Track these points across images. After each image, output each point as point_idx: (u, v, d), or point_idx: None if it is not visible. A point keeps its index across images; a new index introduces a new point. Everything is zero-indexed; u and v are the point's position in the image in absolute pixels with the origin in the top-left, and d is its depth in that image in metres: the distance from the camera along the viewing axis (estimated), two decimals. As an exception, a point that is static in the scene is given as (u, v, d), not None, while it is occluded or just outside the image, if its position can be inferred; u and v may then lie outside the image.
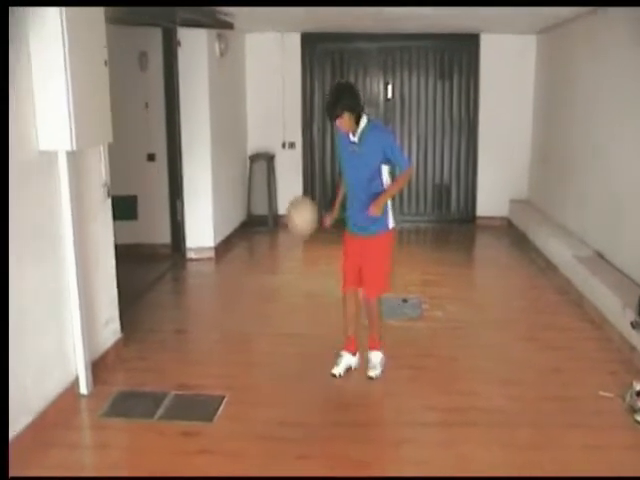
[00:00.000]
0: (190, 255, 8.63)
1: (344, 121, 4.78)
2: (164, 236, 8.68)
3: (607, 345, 5.78)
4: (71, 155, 4.58)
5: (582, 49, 8.03)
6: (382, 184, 4.92)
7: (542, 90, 9.99)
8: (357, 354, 5.32)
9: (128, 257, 6.71)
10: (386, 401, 4.92)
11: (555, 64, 9.30)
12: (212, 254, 8.71)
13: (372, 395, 5.03)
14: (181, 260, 8.55)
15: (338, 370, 5.19)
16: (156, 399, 4.81)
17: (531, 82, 10.38)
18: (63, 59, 4.26)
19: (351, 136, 4.88)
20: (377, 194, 4.86)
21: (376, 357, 5.26)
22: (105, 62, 4.88)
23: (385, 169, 4.91)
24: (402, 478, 3.98)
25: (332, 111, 4.77)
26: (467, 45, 10.50)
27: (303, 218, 5.03)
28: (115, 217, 5.59)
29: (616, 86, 6.82)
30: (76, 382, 4.83)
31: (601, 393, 4.82)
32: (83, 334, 4.81)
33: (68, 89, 4.30)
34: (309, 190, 10.83)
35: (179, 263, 8.48)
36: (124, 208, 8.11)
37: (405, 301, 6.81)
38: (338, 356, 5.26)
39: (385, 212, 4.92)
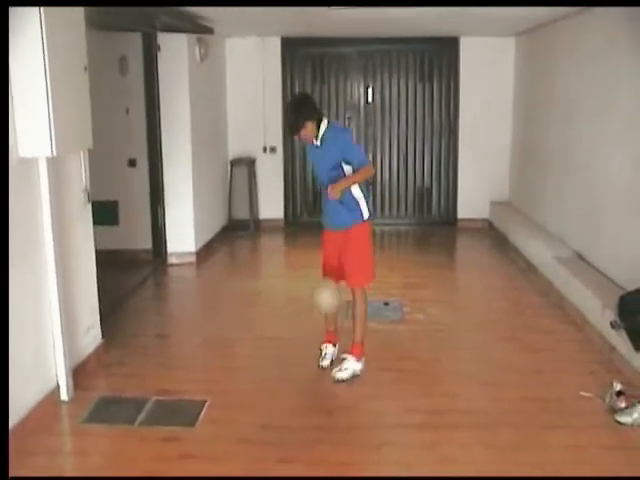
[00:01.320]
0: (171, 260, 8.61)
1: (307, 131, 4.99)
2: (145, 241, 8.63)
3: (588, 346, 5.81)
4: (51, 161, 4.57)
5: (560, 51, 8.10)
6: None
7: (521, 92, 10.05)
8: (337, 345, 5.49)
9: (109, 263, 6.69)
10: (368, 404, 4.91)
11: (534, 66, 9.37)
12: (193, 259, 8.69)
13: (354, 398, 5.02)
14: (162, 265, 8.53)
15: (326, 362, 5.39)
16: (137, 405, 4.79)
17: (510, 84, 10.44)
18: (43, 64, 4.23)
19: (315, 140, 5.07)
20: (349, 193, 5.06)
21: (349, 362, 5.22)
22: (85, 68, 4.86)
23: (348, 168, 5.03)
24: (392, 478, 3.99)
25: (295, 125, 5.00)
26: (447, 48, 10.54)
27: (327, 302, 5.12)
28: (96, 222, 5.57)
29: (594, 88, 6.87)
30: (57, 388, 4.81)
31: (582, 393, 4.85)
32: (64, 340, 4.79)
33: (48, 95, 4.27)
34: (290, 194, 10.85)
35: (160, 268, 8.46)
36: (105, 213, 8.06)
37: (386, 304, 6.82)
38: (321, 350, 5.45)
39: (357, 204, 5.09)
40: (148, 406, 4.77)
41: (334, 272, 5.24)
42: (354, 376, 5.18)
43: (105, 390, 5.14)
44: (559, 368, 5.41)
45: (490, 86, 10.48)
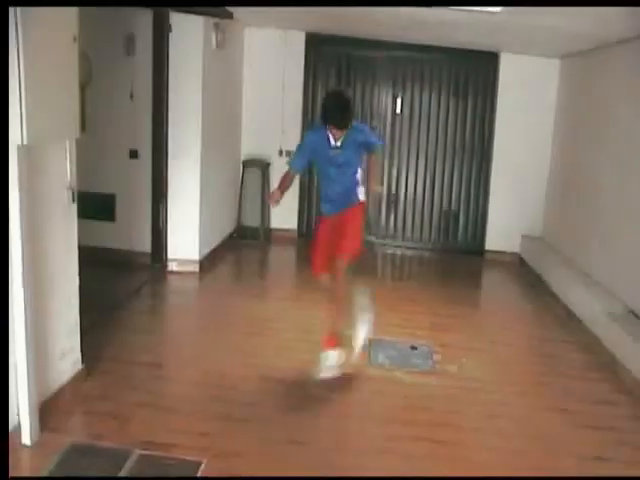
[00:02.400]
0: (171, 267, 7.77)
1: (343, 131, 5.04)
2: (144, 243, 7.77)
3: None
4: (23, 151, 3.67)
5: (614, 79, 7.34)
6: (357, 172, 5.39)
7: (565, 119, 9.20)
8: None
9: (101, 263, 5.84)
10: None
11: (581, 92, 8.57)
12: (196, 268, 7.84)
13: (382, 470, 4.10)
14: (161, 273, 7.68)
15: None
16: (117, 458, 3.90)
17: (552, 109, 9.58)
18: (15, 29, 3.37)
19: (332, 142, 5.12)
20: (355, 179, 5.36)
21: (333, 356, 5.34)
22: (74, 38, 4.00)
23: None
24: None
25: (347, 122, 5.01)
26: (485, 63, 9.72)
27: None
28: (90, 217, 4.77)
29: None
30: (18, 428, 3.92)
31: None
32: (29, 371, 3.90)
33: (20, 68, 3.44)
34: (305, 204, 10.05)
35: (158, 276, 7.60)
36: (100, 207, 7.48)
37: (414, 348, 5.95)
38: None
39: (358, 188, 5.36)
40: (130, 462, 3.87)
41: (327, 255, 5.30)
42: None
43: (79, 433, 4.23)
44: (624, 455, 4.49)
45: (530, 109, 9.60)
